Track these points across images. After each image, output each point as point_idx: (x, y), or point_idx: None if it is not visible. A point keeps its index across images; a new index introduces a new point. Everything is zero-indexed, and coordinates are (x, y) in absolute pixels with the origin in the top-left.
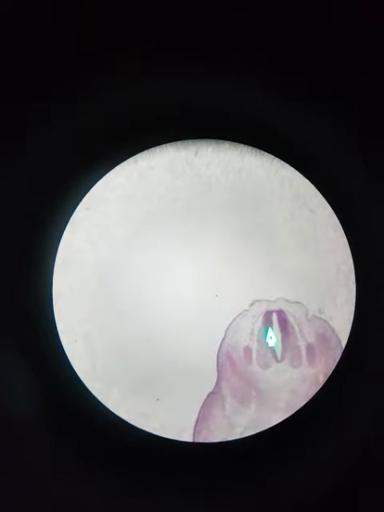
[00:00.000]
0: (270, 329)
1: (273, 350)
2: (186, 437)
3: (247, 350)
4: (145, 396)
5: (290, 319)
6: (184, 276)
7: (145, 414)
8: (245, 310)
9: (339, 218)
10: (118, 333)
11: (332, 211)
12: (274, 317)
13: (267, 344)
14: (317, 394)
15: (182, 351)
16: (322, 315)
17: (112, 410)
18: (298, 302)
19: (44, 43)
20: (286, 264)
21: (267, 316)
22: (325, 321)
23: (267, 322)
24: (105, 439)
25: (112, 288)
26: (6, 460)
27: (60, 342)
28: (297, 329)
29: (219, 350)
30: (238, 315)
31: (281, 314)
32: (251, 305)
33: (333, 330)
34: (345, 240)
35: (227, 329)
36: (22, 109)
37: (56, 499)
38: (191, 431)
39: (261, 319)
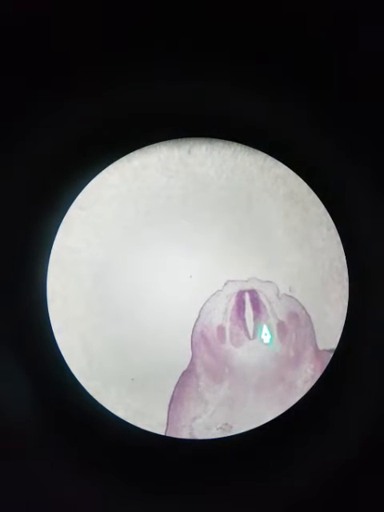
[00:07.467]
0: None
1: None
2: (161, 415)
3: (220, 329)
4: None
5: (262, 298)
6: (178, 274)
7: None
8: (219, 290)
9: (332, 216)
10: (113, 331)
11: (325, 209)
12: (247, 296)
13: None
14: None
15: (178, 349)
16: (293, 293)
17: (109, 408)
18: (269, 281)
19: (40, 43)
20: (280, 261)
21: (240, 295)
22: (295, 299)
23: (240, 302)
24: (102, 438)
25: (107, 287)
26: (2, 459)
27: (56, 342)
28: (268, 307)
29: (193, 330)
30: (212, 295)
31: (253, 293)
32: (225, 284)
33: (303, 308)
34: (338, 237)
35: (201, 309)
36: (15, 108)
37: (53, 498)
38: (166, 408)
39: (234, 299)
